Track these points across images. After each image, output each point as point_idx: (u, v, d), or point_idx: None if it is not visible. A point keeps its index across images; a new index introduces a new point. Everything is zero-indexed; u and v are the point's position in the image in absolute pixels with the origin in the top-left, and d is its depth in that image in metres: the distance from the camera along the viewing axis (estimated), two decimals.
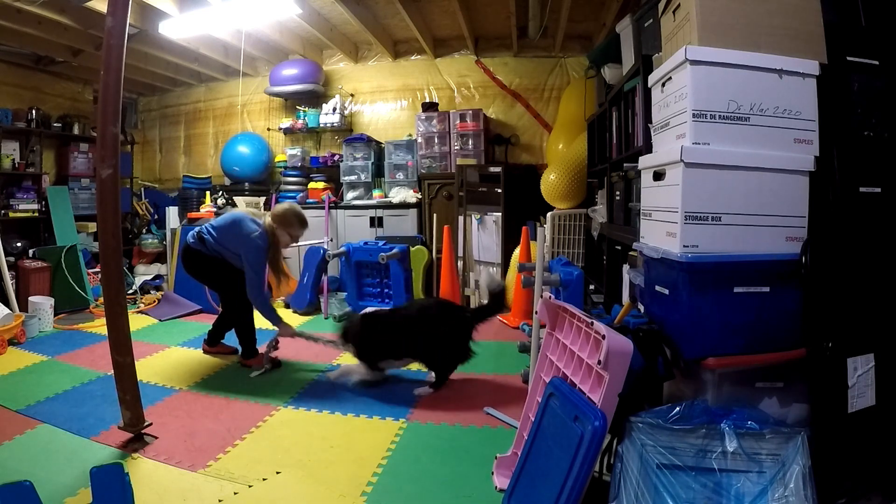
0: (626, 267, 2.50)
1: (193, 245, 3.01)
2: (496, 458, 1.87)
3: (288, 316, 4.32)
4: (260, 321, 3.07)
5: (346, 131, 5.50)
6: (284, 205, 3.08)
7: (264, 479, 1.86)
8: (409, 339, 2.70)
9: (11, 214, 4.64)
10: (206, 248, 2.97)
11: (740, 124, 1.65)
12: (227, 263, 2.97)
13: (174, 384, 2.77)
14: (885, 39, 1.73)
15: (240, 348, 3.14)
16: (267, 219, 2.99)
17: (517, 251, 4.21)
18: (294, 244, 3.16)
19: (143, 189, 6.25)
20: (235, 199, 5.07)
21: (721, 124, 1.64)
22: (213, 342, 3.29)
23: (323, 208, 4.98)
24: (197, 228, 3.07)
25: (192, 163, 6.20)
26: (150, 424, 2.16)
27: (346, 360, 3.04)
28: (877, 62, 1.70)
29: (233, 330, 3.19)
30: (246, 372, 2.99)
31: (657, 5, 2.16)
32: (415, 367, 2.96)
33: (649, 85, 2.01)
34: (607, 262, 3.25)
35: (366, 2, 4.32)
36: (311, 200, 5.15)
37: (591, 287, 3.61)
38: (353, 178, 5.15)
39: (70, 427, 2.23)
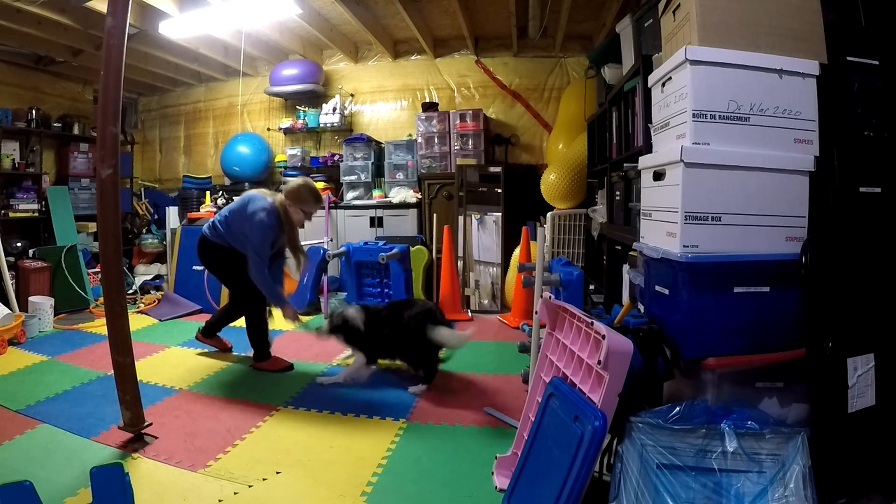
0: (626, 267, 2.49)
1: (206, 234, 2.96)
2: (496, 458, 1.86)
3: None
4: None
5: (346, 131, 5.50)
6: (298, 180, 2.93)
7: (264, 479, 1.86)
8: (393, 338, 2.76)
9: (11, 214, 4.64)
10: (217, 236, 2.92)
11: (740, 124, 1.65)
12: (236, 255, 2.87)
13: (174, 384, 2.77)
14: (885, 39, 1.73)
15: (247, 350, 3.11)
16: (279, 196, 2.87)
17: (517, 251, 4.21)
18: (308, 221, 2.98)
19: (143, 189, 6.25)
20: (235, 199, 5.06)
21: (721, 124, 1.64)
22: (209, 333, 3.24)
23: (323, 208, 4.97)
24: (214, 217, 3.00)
25: (192, 163, 6.19)
26: (150, 424, 2.16)
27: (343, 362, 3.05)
28: (877, 62, 1.70)
29: (226, 326, 3.19)
30: (245, 372, 2.99)
31: (657, 5, 2.16)
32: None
33: (649, 85, 2.01)
34: (607, 262, 3.25)
35: (366, 2, 4.32)
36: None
37: (591, 287, 3.61)
38: (353, 178, 5.15)
39: (70, 427, 2.23)
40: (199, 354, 3.28)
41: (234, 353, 3.28)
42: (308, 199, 2.87)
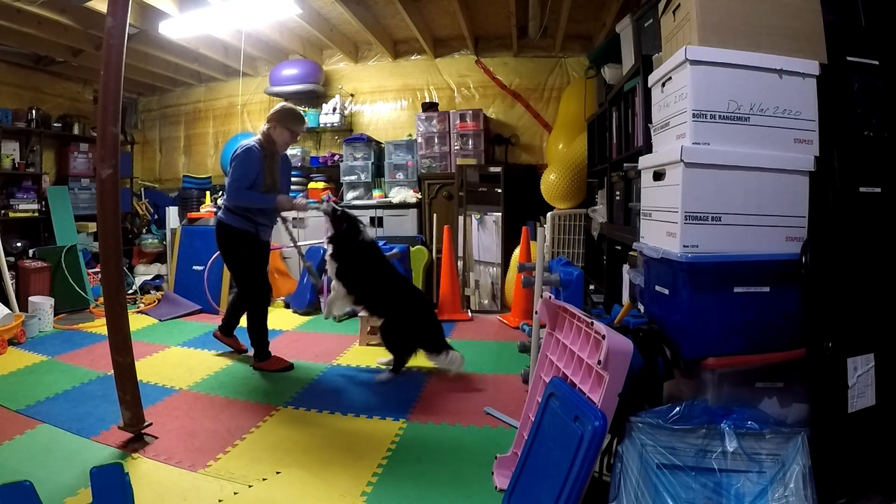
0: (626, 267, 2.50)
1: (220, 216, 2.95)
2: (496, 458, 1.87)
3: (287, 316, 4.33)
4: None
5: (346, 131, 5.50)
6: (278, 104, 3.01)
7: (264, 479, 1.86)
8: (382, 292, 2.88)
9: (11, 214, 4.64)
10: (229, 216, 2.89)
11: (740, 124, 1.65)
12: (246, 236, 2.87)
13: (174, 384, 2.77)
14: (885, 39, 1.73)
15: (252, 349, 3.09)
16: (260, 129, 2.93)
17: (517, 251, 4.21)
18: (293, 142, 3.07)
19: (143, 189, 6.25)
20: None
21: (721, 124, 1.64)
22: (227, 330, 3.24)
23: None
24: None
25: (192, 163, 6.19)
26: (150, 424, 2.17)
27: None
28: (877, 62, 1.70)
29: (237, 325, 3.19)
30: (246, 372, 2.99)
31: (657, 5, 2.16)
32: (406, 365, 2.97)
33: (649, 85, 2.01)
34: (607, 262, 3.25)
35: (366, 2, 4.32)
36: (311, 201, 5.14)
37: (591, 287, 3.61)
38: (353, 178, 5.15)
39: (70, 427, 2.23)
40: (199, 354, 3.28)
41: (234, 353, 3.28)
42: (290, 118, 2.93)
